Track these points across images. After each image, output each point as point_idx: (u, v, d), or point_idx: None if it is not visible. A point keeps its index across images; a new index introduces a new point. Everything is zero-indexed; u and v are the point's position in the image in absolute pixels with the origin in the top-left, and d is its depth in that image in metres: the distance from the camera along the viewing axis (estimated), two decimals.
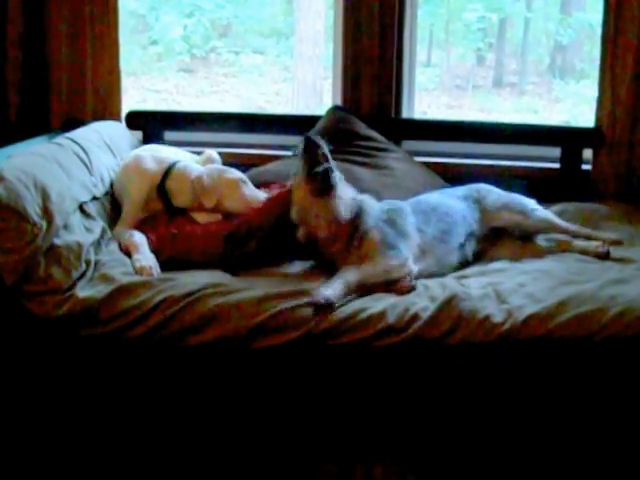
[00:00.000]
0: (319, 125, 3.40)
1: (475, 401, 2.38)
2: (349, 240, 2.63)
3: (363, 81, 3.43)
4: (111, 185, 3.05)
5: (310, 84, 5.46)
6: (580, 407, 2.36)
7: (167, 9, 5.80)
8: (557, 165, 3.41)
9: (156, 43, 5.91)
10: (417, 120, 3.71)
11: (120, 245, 2.78)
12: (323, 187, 2.58)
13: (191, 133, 3.62)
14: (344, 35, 3.42)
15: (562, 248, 2.82)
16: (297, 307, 2.38)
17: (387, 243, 2.60)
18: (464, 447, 2.42)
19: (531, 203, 2.91)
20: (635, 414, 2.34)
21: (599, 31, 3.28)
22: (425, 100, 5.44)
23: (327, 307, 2.36)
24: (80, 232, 2.68)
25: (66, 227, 2.62)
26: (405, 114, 3.57)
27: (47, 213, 2.50)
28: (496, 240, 2.85)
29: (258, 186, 3.00)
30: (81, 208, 2.78)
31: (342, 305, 2.39)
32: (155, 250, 2.72)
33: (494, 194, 2.91)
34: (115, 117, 3.53)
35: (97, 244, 2.71)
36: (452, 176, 3.35)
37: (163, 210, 2.95)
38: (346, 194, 2.66)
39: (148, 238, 2.78)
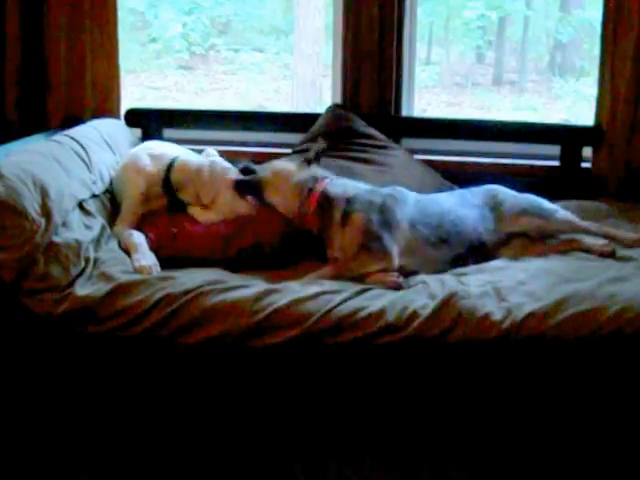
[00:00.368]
0: (318, 123, 3.39)
1: (475, 399, 2.38)
2: (328, 219, 2.72)
3: (363, 79, 3.42)
4: (110, 183, 3.04)
5: (310, 82, 5.46)
6: (579, 405, 2.36)
7: (166, 6, 5.81)
8: (557, 163, 3.41)
9: (155, 40, 5.91)
10: (417, 118, 3.70)
11: (120, 243, 2.77)
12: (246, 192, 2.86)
13: (190, 131, 3.60)
14: (344, 33, 3.41)
15: (567, 246, 2.78)
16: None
17: (371, 230, 2.63)
18: (464, 445, 2.42)
19: (549, 205, 2.85)
20: (634, 412, 2.34)
21: (599, 29, 3.27)
22: (425, 98, 5.44)
23: None
24: (79, 230, 2.67)
25: (65, 225, 2.62)
26: (405, 112, 3.55)
27: (46, 211, 2.49)
28: (507, 241, 2.80)
29: None
30: (80, 206, 2.77)
31: (340, 303, 2.39)
32: (154, 249, 2.72)
33: (510, 197, 2.85)
34: (114, 115, 3.52)
35: (97, 242, 2.71)
36: (451, 174, 3.35)
37: (164, 208, 2.95)
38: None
39: (148, 237, 2.78)
